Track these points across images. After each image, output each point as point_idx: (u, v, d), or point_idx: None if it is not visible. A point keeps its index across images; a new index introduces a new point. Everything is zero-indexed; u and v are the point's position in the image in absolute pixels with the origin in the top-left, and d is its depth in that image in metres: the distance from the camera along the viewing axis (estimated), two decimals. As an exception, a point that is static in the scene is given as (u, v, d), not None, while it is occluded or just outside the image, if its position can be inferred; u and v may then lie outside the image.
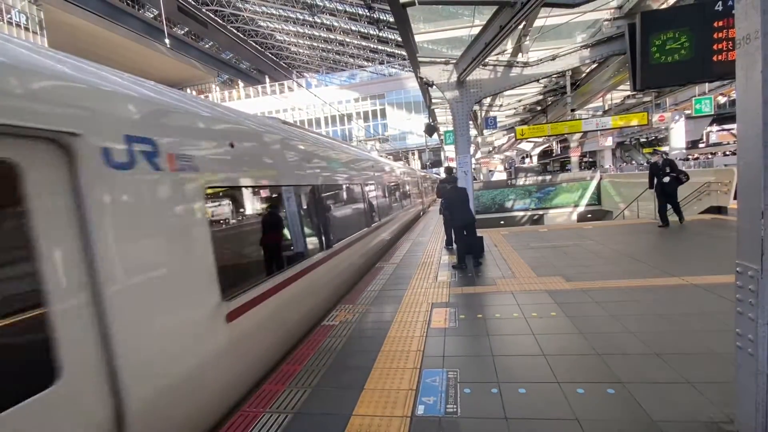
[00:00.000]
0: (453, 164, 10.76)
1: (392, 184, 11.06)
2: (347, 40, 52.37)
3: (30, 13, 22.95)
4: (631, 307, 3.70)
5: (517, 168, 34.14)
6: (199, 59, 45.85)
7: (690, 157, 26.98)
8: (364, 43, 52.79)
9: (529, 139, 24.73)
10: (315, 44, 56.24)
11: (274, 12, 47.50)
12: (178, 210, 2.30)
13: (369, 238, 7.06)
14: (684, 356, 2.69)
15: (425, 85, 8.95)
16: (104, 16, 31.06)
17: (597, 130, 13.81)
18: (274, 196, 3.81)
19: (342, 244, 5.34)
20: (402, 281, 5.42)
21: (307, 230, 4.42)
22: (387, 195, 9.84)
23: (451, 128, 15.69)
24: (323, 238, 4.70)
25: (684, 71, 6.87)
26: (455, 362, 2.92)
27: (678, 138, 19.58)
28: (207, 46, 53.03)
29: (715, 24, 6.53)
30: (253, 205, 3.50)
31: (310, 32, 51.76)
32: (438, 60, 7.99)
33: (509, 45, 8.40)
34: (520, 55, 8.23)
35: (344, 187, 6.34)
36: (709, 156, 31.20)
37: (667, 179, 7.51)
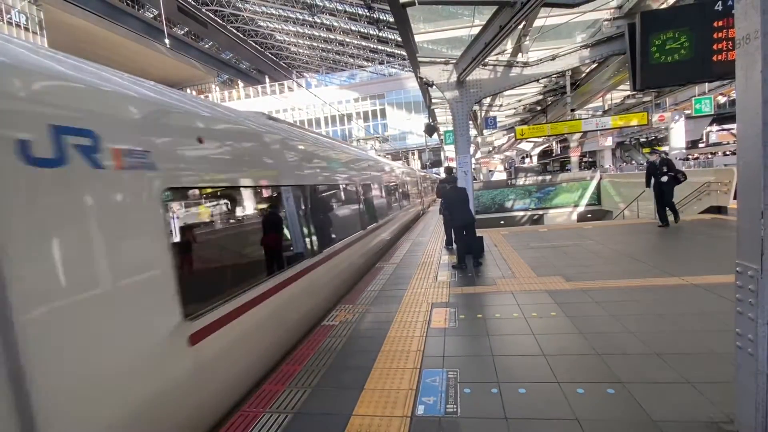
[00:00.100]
0: (453, 164, 10.74)
1: (390, 184, 10.71)
2: (347, 40, 52.37)
3: (30, 13, 22.94)
4: (631, 306, 3.70)
5: (517, 168, 34.14)
6: (198, 59, 45.82)
7: (690, 156, 26.99)
8: (363, 43, 52.80)
9: (528, 139, 24.73)
10: (315, 44, 56.25)
11: (274, 12, 47.51)
12: (126, 215, 1.95)
13: (367, 240, 6.77)
14: (684, 356, 2.69)
15: (425, 85, 8.95)
16: (104, 16, 31.05)
17: (597, 130, 13.82)
18: (253, 198, 3.49)
19: (332, 249, 4.94)
20: (402, 281, 5.42)
21: (290, 236, 4.07)
22: (383, 196, 9.45)
23: (451, 128, 15.69)
24: (310, 245, 4.31)
25: (684, 71, 6.87)
26: (455, 362, 2.92)
27: (678, 138, 19.58)
28: (207, 46, 53.03)
29: (715, 24, 6.52)
30: (227, 209, 3.19)
31: (309, 32, 51.77)
32: (438, 60, 7.98)
33: (509, 45, 8.40)
34: (519, 55, 8.22)
35: (335, 188, 5.92)
36: (709, 156, 31.21)
37: (665, 179, 7.51)
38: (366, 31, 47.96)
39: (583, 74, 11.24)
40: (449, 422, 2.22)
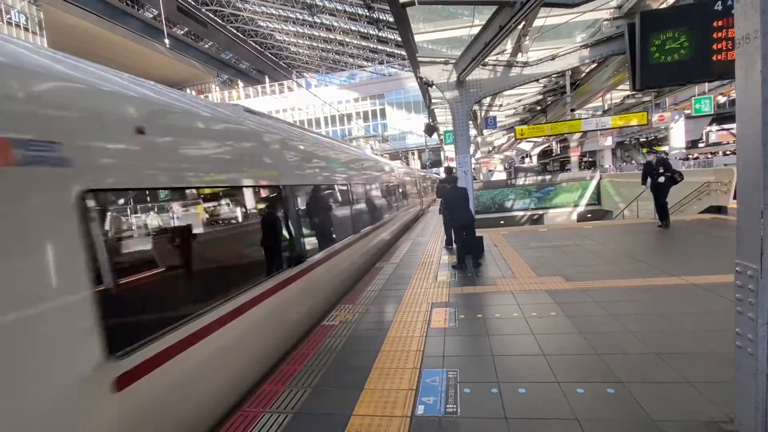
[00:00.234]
0: (453, 164, 10.74)
1: (387, 185, 10.14)
2: (347, 40, 52.39)
3: (30, 13, 22.92)
4: (630, 306, 3.70)
5: (516, 168, 34.16)
6: (198, 59, 45.83)
7: (690, 156, 27.00)
8: (363, 43, 52.82)
9: (528, 139, 24.75)
10: (315, 44, 56.27)
11: (274, 12, 47.52)
12: (20, 224, 1.51)
13: (357, 247, 6.11)
14: (684, 356, 2.69)
15: (425, 85, 8.95)
16: (104, 16, 31.05)
17: (597, 130, 13.83)
18: (215, 203, 2.99)
19: (314, 259, 4.31)
20: (402, 281, 5.42)
21: (260, 246, 3.46)
22: (378, 199, 8.81)
23: (450, 128, 15.68)
24: (284, 255, 3.74)
25: (683, 71, 6.88)
26: (455, 362, 2.92)
27: (678, 138, 19.60)
28: (207, 46, 53.04)
29: (715, 24, 6.53)
30: (178, 216, 2.66)
31: (309, 32, 51.79)
32: (438, 60, 7.99)
33: (509, 45, 8.40)
34: (519, 54, 8.23)
35: (321, 190, 5.21)
36: (709, 156, 31.22)
37: (661, 179, 7.49)
38: (366, 31, 47.98)
39: (583, 74, 11.25)
40: (449, 422, 2.22)
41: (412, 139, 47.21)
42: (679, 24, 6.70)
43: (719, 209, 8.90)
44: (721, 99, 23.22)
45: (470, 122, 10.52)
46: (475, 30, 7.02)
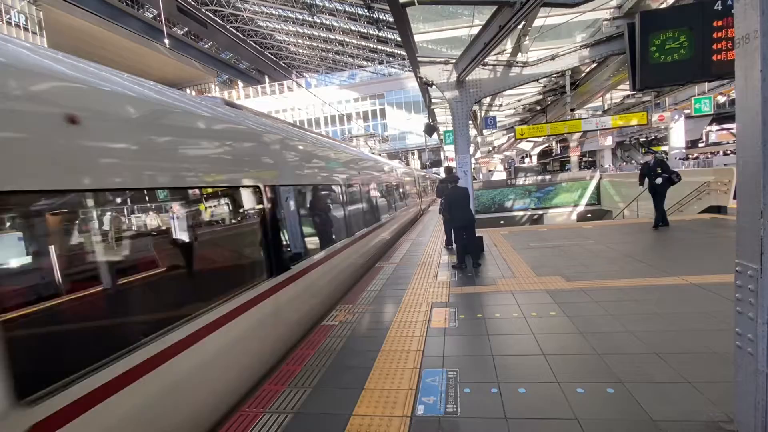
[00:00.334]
0: (453, 164, 10.74)
1: (384, 186, 9.74)
2: (347, 40, 52.38)
3: (29, 13, 22.91)
4: (630, 306, 3.70)
5: (516, 168, 34.15)
6: (198, 59, 45.81)
7: (690, 156, 26.99)
8: (363, 43, 52.81)
9: (528, 139, 24.75)
10: (314, 44, 56.26)
11: (274, 12, 47.52)
12: None
13: (346, 254, 5.52)
14: (683, 356, 2.69)
15: (425, 85, 8.94)
16: (104, 16, 31.05)
17: (596, 130, 13.83)
18: (170, 203, 2.53)
19: (298, 269, 3.78)
20: (402, 281, 5.42)
21: (226, 255, 3.01)
22: (375, 200, 8.42)
23: (450, 128, 15.65)
24: (257, 266, 3.20)
25: (683, 71, 6.87)
26: (455, 362, 2.92)
27: (677, 137, 19.61)
28: (206, 46, 53.01)
29: (715, 23, 6.53)
30: (121, 219, 2.27)
31: (309, 32, 51.78)
32: (437, 60, 7.98)
33: (509, 45, 8.40)
34: (519, 54, 8.23)
35: (309, 191, 4.70)
36: (709, 155, 31.22)
37: (659, 180, 7.49)
38: (366, 30, 47.98)
39: (583, 74, 11.25)
40: (449, 422, 2.22)
41: (412, 139, 47.24)
42: (679, 24, 6.70)
43: (719, 209, 8.91)
44: (721, 99, 23.22)
45: (470, 122, 10.50)
46: (475, 30, 7.02)
